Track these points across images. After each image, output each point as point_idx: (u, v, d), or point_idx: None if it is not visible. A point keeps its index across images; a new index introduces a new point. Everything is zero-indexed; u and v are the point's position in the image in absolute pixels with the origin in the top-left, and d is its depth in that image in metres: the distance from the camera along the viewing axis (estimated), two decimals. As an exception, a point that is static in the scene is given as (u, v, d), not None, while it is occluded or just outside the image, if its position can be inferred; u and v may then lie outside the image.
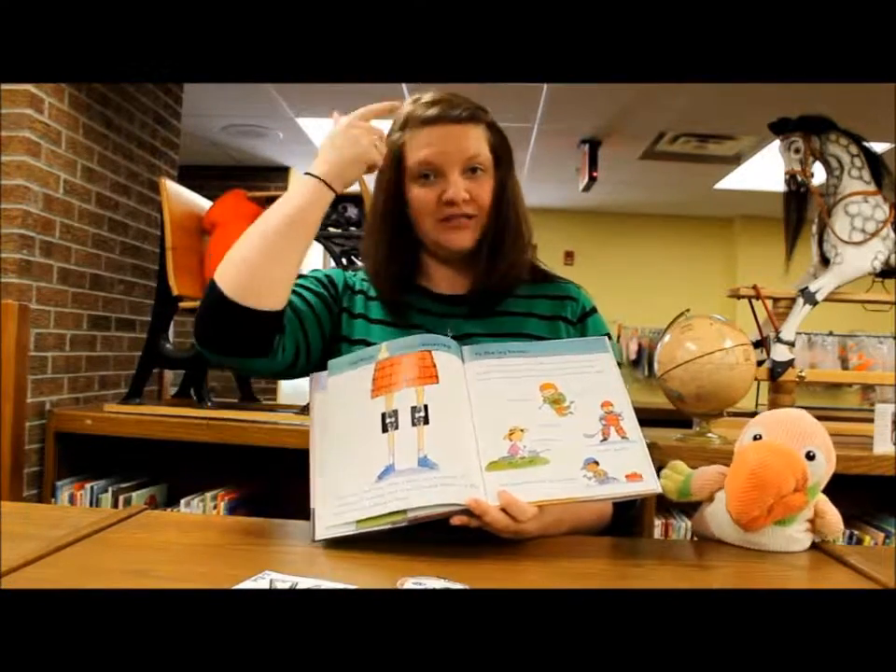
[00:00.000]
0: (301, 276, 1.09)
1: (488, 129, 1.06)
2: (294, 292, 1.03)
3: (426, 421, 0.91)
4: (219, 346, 0.96)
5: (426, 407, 0.91)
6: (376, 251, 1.09)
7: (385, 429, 0.91)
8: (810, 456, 0.90)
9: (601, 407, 0.96)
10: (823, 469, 0.92)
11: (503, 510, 0.85)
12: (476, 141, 1.03)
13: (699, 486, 0.98)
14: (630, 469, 0.91)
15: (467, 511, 0.85)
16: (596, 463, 0.91)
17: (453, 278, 1.11)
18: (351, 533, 0.86)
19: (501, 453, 0.91)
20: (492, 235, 1.07)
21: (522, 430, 0.93)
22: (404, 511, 0.85)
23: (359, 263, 2.08)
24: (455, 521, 0.84)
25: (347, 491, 0.88)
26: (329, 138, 1.00)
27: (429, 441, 0.89)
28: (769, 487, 0.88)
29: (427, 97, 1.05)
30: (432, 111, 1.02)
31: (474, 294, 1.09)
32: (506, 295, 1.10)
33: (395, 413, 0.91)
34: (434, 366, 0.96)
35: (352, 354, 1.01)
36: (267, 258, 0.95)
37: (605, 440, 0.93)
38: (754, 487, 0.88)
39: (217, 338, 0.96)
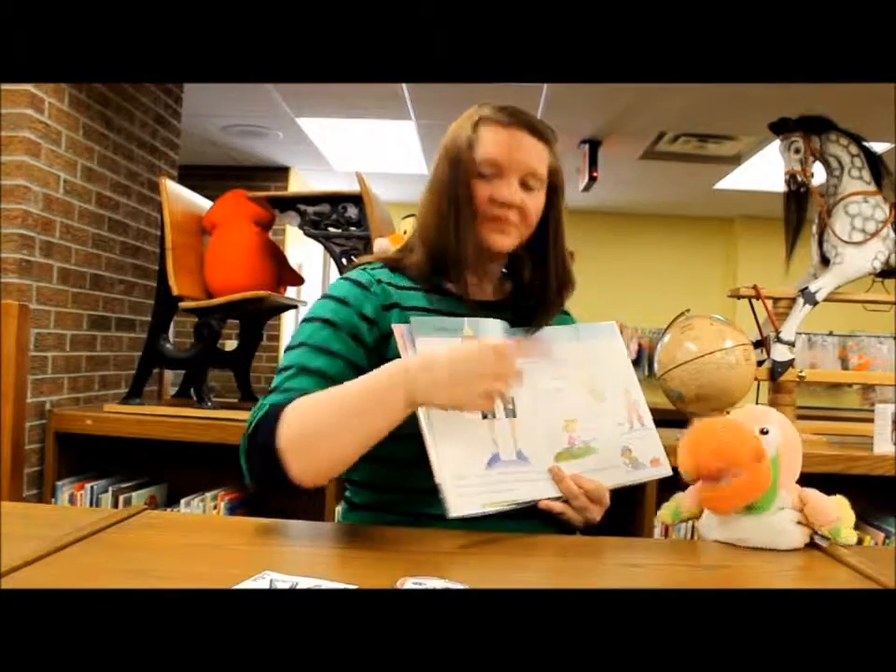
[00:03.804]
0: (320, 325, 0.99)
1: (552, 154, 1.06)
2: (330, 360, 0.96)
3: (514, 414, 0.97)
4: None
5: (512, 399, 0.97)
6: (440, 237, 1.03)
7: (484, 415, 0.95)
8: (764, 432, 0.95)
9: (624, 395, 1.06)
10: (779, 441, 0.94)
11: (587, 494, 0.96)
12: (540, 158, 1.04)
13: (687, 505, 1.02)
14: (652, 454, 1.03)
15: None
16: (630, 450, 1.02)
17: (482, 285, 1.11)
18: (478, 512, 0.89)
19: (563, 444, 1.00)
20: (556, 277, 1.08)
21: (573, 421, 1.02)
22: (515, 500, 0.92)
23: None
24: (542, 505, 0.95)
25: (463, 472, 0.91)
26: (450, 360, 0.87)
27: (520, 435, 0.96)
28: (709, 446, 0.92)
29: (500, 105, 1.04)
30: (507, 116, 1.03)
31: (534, 329, 1.09)
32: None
33: None
34: None
35: (433, 318, 0.98)
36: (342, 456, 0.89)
37: (632, 427, 1.04)
38: (692, 445, 0.93)
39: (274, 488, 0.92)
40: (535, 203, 1.05)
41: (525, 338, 1.05)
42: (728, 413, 1.05)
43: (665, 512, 1.05)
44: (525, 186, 1.03)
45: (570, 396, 1.03)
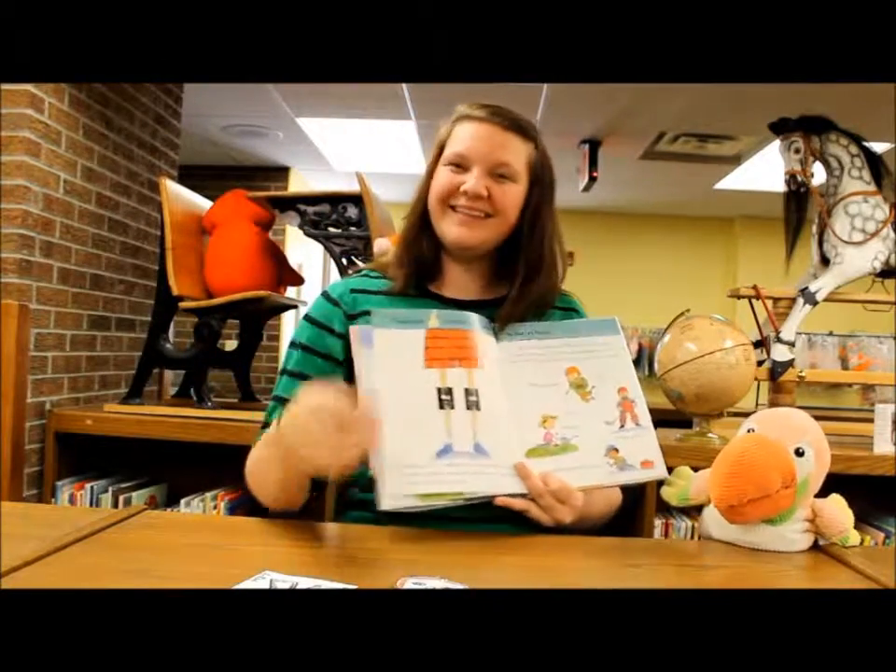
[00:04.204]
0: (297, 350, 1.07)
1: (535, 149, 1.07)
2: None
3: (477, 406, 0.94)
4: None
5: (476, 392, 0.95)
6: (403, 236, 1.10)
7: (441, 406, 0.93)
8: (799, 453, 0.90)
9: (618, 393, 1.02)
10: (812, 467, 0.90)
11: (552, 494, 0.91)
12: (513, 151, 1.04)
13: (698, 490, 0.99)
14: (644, 455, 0.98)
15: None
16: (616, 450, 0.97)
17: (466, 284, 1.11)
18: (414, 505, 0.87)
19: (538, 440, 0.96)
20: (525, 265, 1.07)
21: (553, 417, 0.99)
22: (462, 493, 0.88)
23: (359, 263, 2.08)
24: (499, 501, 0.90)
25: (408, 462, 0.88)
26: (293, 426, 0.83)
27: (481, 428, 0.93)
28: (750, 477, 0.87)
29: (482, 103, 1.06)
30: (481, 111, 1.04)
31: (502, 318, 1.06)
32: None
33: (450, 391, 0.94)
34: (476, 348, 0.99)
35: (398, 310, 1.00)
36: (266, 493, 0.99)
37: (622, 426, 0.99)
38: (733, 475, 0.88)
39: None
40: (507, 193, 1.04)
41: (501, 334, 1.03)
42: (753, 418, 0.98)
43: (672, 491, 1.00)
44: (495, 176, 1.03)
45: (554, 392, 1.00)
